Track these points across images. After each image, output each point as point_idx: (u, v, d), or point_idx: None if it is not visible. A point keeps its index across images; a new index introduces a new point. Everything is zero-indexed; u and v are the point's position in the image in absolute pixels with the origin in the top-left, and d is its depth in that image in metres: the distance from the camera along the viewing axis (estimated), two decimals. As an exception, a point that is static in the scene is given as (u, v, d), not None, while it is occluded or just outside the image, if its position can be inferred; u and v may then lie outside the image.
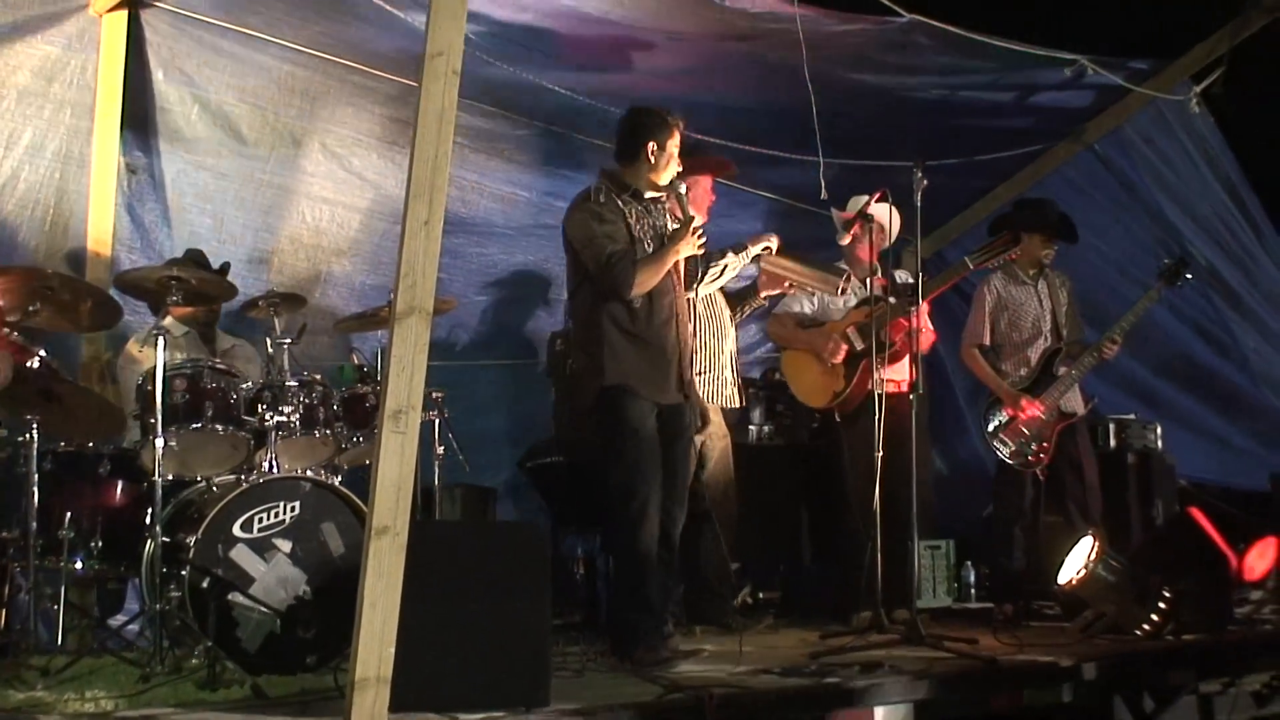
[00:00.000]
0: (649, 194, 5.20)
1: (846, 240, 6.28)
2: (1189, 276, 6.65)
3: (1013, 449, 6.53)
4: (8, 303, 4.65)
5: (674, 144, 5.15)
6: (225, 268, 5.99)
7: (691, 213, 5.11)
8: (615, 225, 5.03)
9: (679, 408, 5.13)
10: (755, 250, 5.66)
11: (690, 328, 5.33)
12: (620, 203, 5.09)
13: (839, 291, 6.02)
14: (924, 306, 5.90)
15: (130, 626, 4.90)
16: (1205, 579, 5.83)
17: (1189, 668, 5.32)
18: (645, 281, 5.02)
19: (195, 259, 5.87)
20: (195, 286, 5.00)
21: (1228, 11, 7.20)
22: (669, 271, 5.09)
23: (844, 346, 6.20)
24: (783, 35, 5.99)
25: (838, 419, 6.31)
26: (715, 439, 6.20)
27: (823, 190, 5.90)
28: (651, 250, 5.06)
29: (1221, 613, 5.90)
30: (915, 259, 5.63)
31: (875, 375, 5.71)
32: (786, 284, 6.03)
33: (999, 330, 6.69)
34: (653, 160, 5.13)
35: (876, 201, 6.01)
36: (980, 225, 8.61)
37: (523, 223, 7.53)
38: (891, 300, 5.84)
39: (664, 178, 5.16)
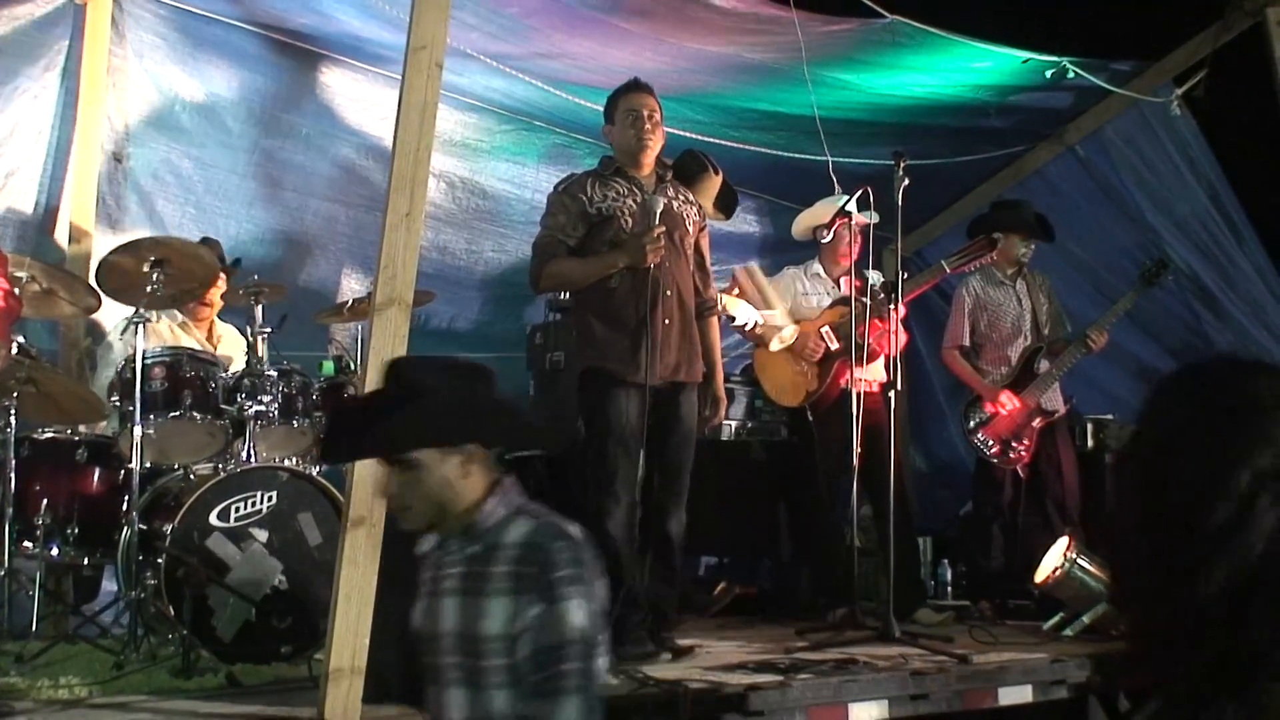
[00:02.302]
0: (639, 168, 5.10)
1: (827, 238, 6.28)
2: (1169, 277, 6.68)
3: (994, 447, 6.56)
4: None
5: (622, 110, 5.06)
6: (237, 263, 5.99)
7: (656, 219, 4.92)
8: (564, 215, 5.03)
9: (672, 393, 5.01)
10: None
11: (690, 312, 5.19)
12: (599, 184, 5.05)
13: (779, 339, 6.13)
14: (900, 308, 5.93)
15: (105, 614, 4.90)
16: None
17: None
18: (559, 277, 5.12)
19: (213, 249, 5.85)
20: (176, 274, 4.99)
21: (1210, 14, 7.23)
22: (671, 252, 4.97)
23: (823, 345, 6.20)
24: (766, 34, 6.01)
25: (810, 417, 6.31)
26: None
27: (836, 189, 5.92)
28: (629, 229, 4.98)
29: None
30: (896, 258, 5.64)
31: (852, 375, 5.72)
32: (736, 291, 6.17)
33: (979, 331, 6.73)
34: (610, 138, 5.14)
35: (856, 200, 6.01)
36: (960, 225, 8.64)
37: (513, 218, 7.54)
38: (866, 301, 5.85)
39: (626, 144, 5.06)
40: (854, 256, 6.13)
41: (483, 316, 7.59)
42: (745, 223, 8.57)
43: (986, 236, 6.19)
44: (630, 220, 4.98)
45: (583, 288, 5.09)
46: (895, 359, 5.66)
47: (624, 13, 6.10)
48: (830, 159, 6.18)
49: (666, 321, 4.97)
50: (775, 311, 6.21)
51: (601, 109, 5.31)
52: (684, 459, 5.09)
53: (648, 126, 5.04)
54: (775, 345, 6.16)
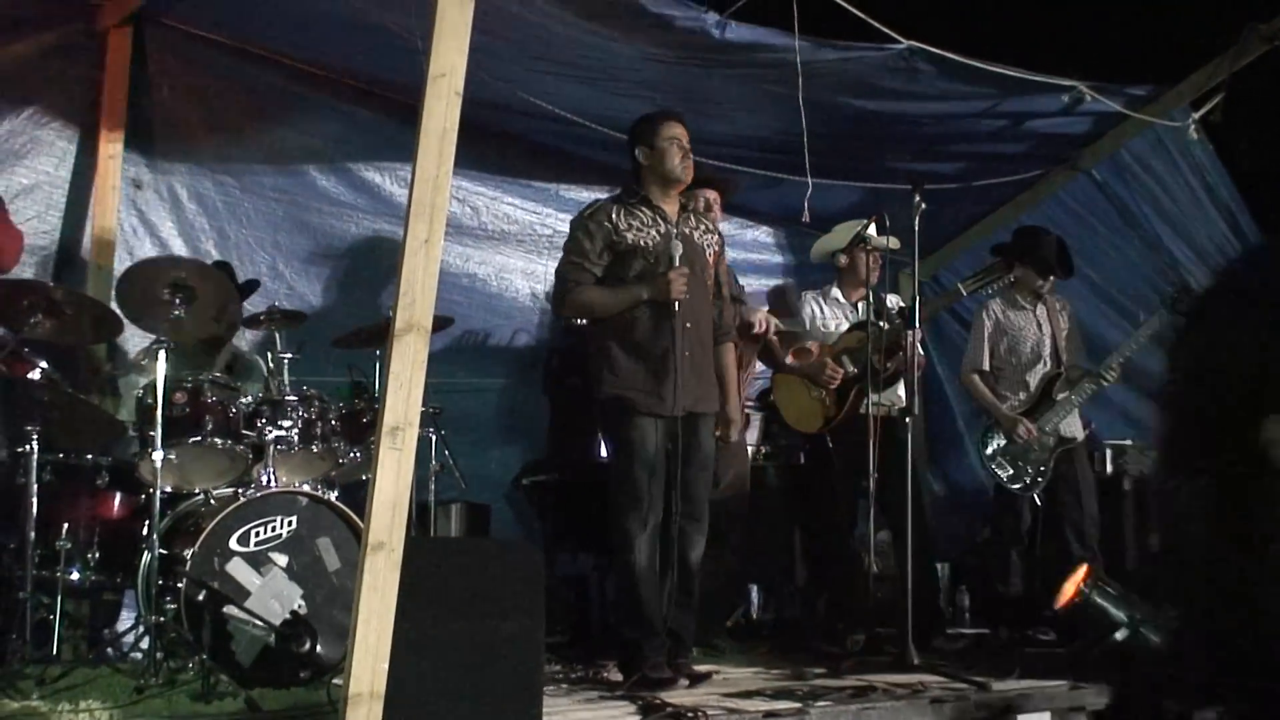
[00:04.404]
0: (666, 197, 5.11)
1: (844, 263, 6.29)
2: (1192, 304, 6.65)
3: (1011, 473, 6.55)
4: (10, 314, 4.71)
5: (665, 137, 5.05)
6: (252, 284, 6.02)
7: (677, 262, 4.94)
8: (590, 243, 5.02)
9: (691, 423, 5.00)
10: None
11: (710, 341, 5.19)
12: (624, 212, 5.05)
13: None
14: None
15: (125, 638, 4.91)
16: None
17: (1184, 695, 5.31)
18: (585, 306, 5.09)
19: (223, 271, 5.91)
20: (197, 301, 5.01)
21: (1227, 38, 7.23)
22: (692, 284, 4.98)
23: (840, 371, 6.20)
24: (779, 61, 6.03)
25: (830, 443, 6.31)
26: (728, 459, 6.09)
27: (805, 214, 5.94)
28: (651, 261, 5.00)
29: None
30: (913, 283, 5.64)
31: (869, 400, 5.71)
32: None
33: (998, 355, 6.72)
34: (647, 162, 5.09)
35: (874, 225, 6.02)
36: (975, 250, 8.65)
37: (532, 243, 7.59)
38: (884, 325, 5.84)
39: (671, 172, 5.05)
40: (872, 281, 6.13)
41: (500, 342, 7.61)
42: (765, 250, 8.62)
43: (1004, 259, 6.19)
44: (654, 251, 5.00)
45: (606, 316, 5.09)
46: (913, 383, 5.64)
47: (637, 44, 6.14)
48: (845, 184, 6.21)
49: (687, 354, 4.98)
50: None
51: (616, 134, 5.33)
52: (703, 486, 5.09)
53: (689, 158, 5.08)
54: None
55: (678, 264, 4.91)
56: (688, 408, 4.96)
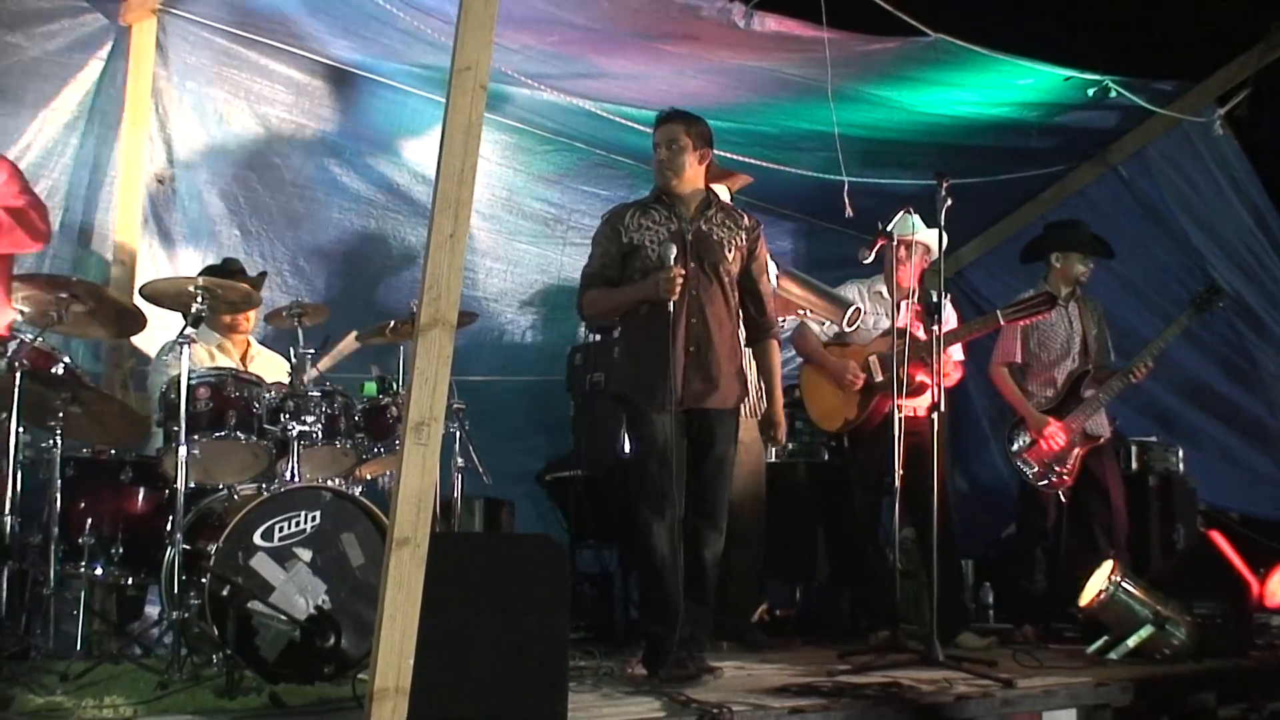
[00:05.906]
0: (681, 195, 5.08)
1: (868, 259, 6.20)
2: (1220, 305, 6.60)
3: (1036, 470, 6.51)
4: (34, 310, 4.71)
5: (655, 140, 5.08)
6: (262, 276, 6.02)
7: (671, 262, 4.87)
8: (604, 245, 5.09)
9: (702, 421, 4.99)
10: None
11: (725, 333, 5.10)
12: (639, 213, 5.06)
13: (845, 323, 6.06)
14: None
15: (149, 633, 4.92)
16: (1227, 603, 5.82)
17: (1209, 692, 5.29)
18: (593, 307, 5.21)
19: (231, 267, 5.91)
20: (221, 296, 5.02)
21: (1253, 34, 7.20)
22: (699, 275, 4.97)
23: (863, 376, 6.15)
24: (808, 54, 6.00)
25: (846, 444, 6.29)
26: (742, 450, 6.06)
27: (848, 209, 5.90)
28: (652, 260, 4.97)
29: (1242, 637, 5.87)
30: (938, 277, 5.58)
31: (895, 399, 5.64)
32: (795, 310, 6.10)
33: (1028, 349, 6.67)
34: (656, 166, 5.13)
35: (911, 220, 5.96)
36: (1003, 246, 8.63)
37: (554, 238, 7.58)
38: (920, 336, 5.75)
39: (656, 173, 5.10)
40: (900, 278, 6.08)
41: (524, 338, 7.60)
42: (782, 242, 8.59)
43: (1047, 294, 6.16)
44: (656, 250, 4.98)
45: (617, 316, 5.18)
46: (939, 379, 5.57)
47: (664, 35, 6.12)
48: (864, 180, 6.16)
49: (693, 349, 4.96)
50: (844, 301, 6.18)
51: (640, 127, 5.33)
52: (717, 485, 5.05)
53: (664, 155, 5.06)
54: (847, 327, 6.15)
55: (671, 264, 4.89)
56: (691, 404, 4.94)
